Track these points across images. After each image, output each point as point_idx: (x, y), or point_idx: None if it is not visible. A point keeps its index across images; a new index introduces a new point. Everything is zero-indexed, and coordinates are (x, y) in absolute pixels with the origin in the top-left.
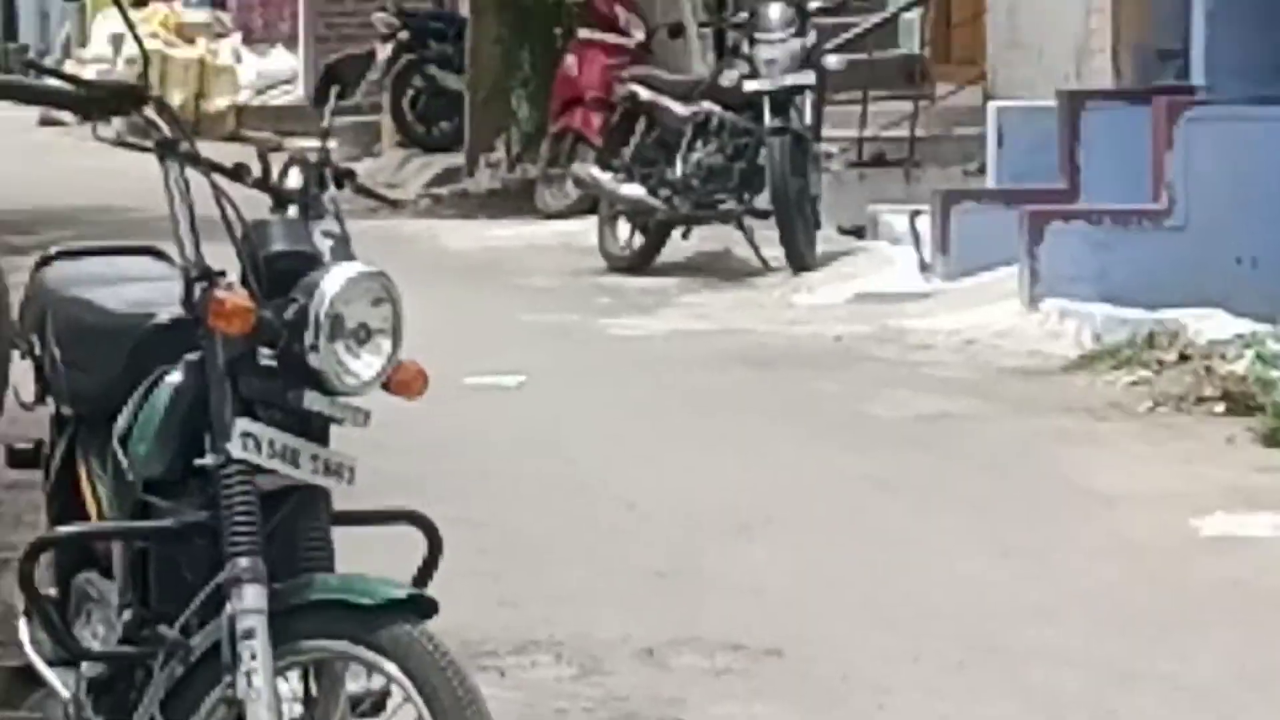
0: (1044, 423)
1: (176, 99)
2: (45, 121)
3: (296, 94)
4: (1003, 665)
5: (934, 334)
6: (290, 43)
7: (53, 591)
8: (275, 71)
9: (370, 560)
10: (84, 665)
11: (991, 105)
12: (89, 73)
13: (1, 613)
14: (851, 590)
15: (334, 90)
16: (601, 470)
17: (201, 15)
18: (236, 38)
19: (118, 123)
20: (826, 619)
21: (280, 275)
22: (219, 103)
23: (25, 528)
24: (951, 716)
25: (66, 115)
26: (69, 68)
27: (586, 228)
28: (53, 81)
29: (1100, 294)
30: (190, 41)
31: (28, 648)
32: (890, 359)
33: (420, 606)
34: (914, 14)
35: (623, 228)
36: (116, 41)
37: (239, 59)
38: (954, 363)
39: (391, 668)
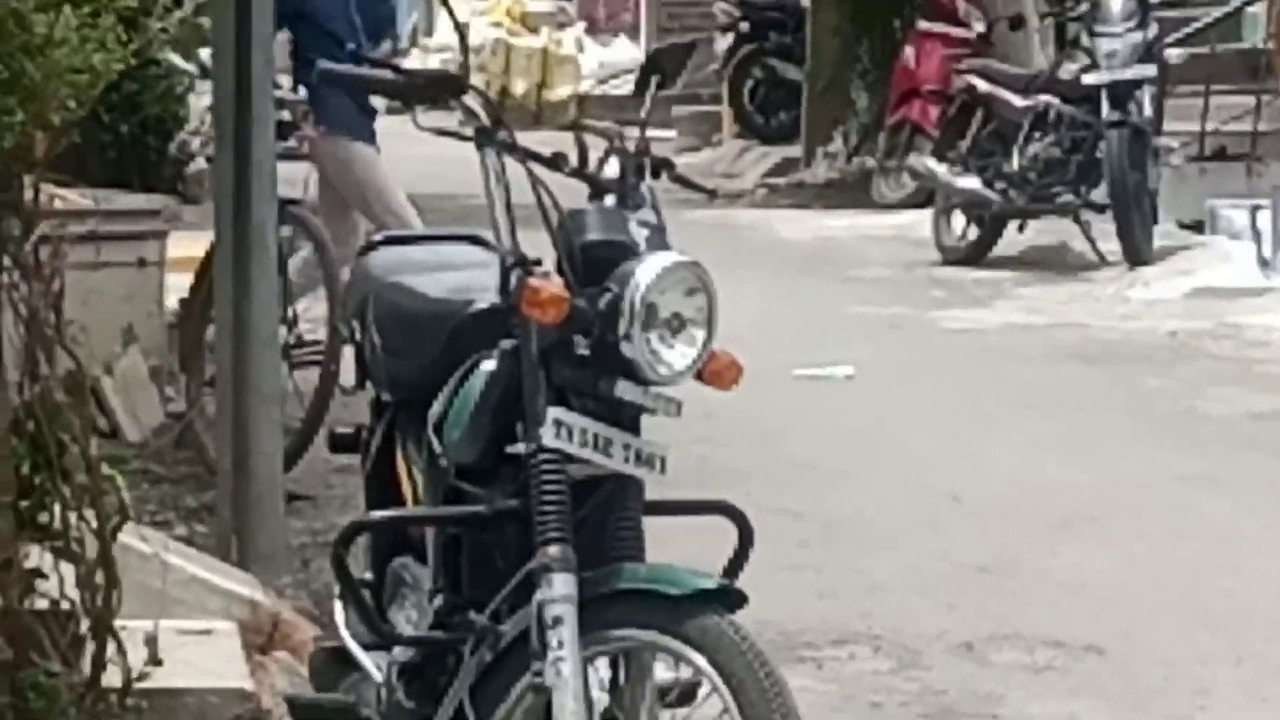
0: None
1: (519, 88)
2: (390, 110)
3: None
4: None
5: (1271, 331)
6: (633, 33)
7: (369, 575)
8: (617, 61)
9: (682, 551)
10: (396, 649)
11: None
12: (434, 62)
13: (328, 594)
14: (1175, 589)
15: (654, 80)
16: (927, 463)
17: (545, 5)
18: (580, 27)
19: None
20: (1149, 618)
21: (595, 264)
22: (561, 92)
23: (352, 511)
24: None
25: None
26: (414, 57)
27: (922, 219)
28: (377, 71)
29: None
30: (534, 31)
31: (343, 631)
32: (1225, 355)
33: (729, 598)
34: (1258, 6)
35: (958, 220)
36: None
37: (581, 49)
38: None
39: (699, 658)
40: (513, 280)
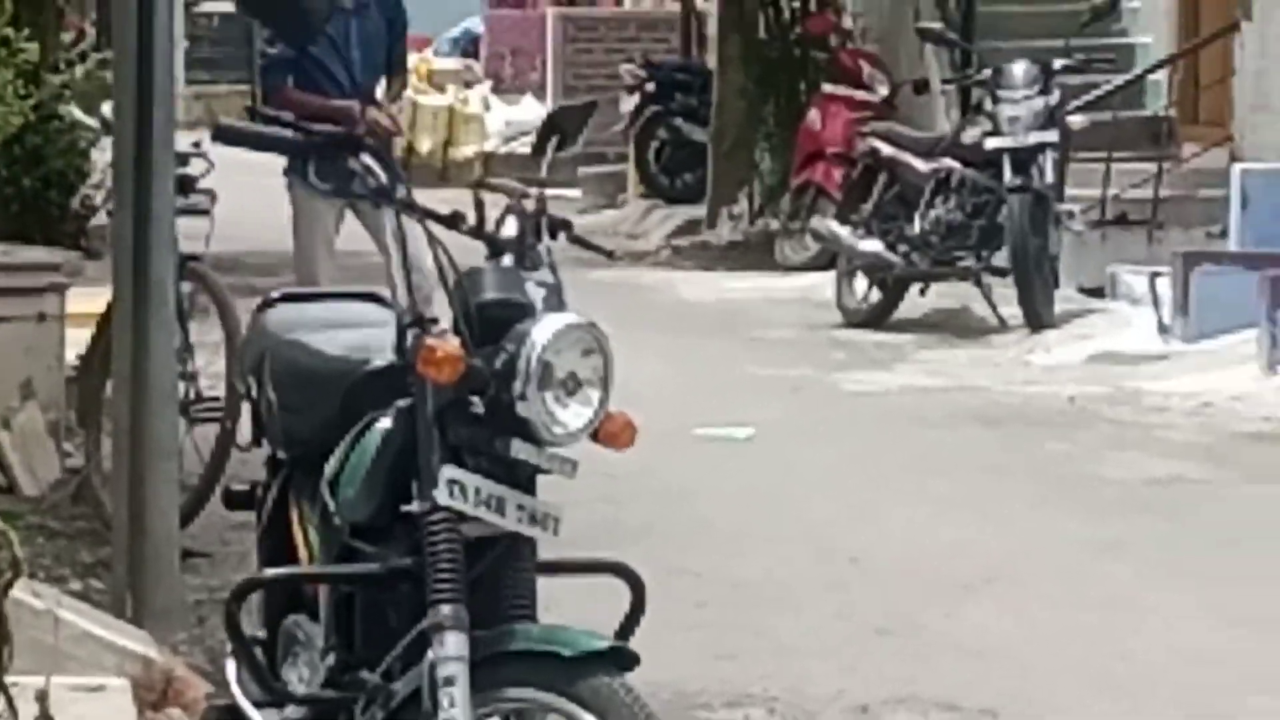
0: (1278, 490)
1: (425, 145)
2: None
3: None
4: None
5: (1169, 396)
6: (539, 92)
7: (261, 633)
8: (523, 120)
9: (576, 611)
10: (288, 708)
11: (1236, 167)
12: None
13: (223, 650)
14: (1073, 654)
15: (553, 139)
16: (828, 524)
17: (452, 63)
18: (486, 86)
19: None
20: (1046, 682)
21: (491, 323)
22: (467, 150)
23: (249, 568)
24: None
25: None
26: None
27: (824, 282)
28: (275, 128)
29: None
30: (440, 89)
31: (235, 688)
32: (1124, 420)
33: (622, 659)
34: (1161, 74)
35: (860, 283)
36: None
37: (488, 107)
38: (1189, 426)
39: (590, 719)
40: (409, 339)
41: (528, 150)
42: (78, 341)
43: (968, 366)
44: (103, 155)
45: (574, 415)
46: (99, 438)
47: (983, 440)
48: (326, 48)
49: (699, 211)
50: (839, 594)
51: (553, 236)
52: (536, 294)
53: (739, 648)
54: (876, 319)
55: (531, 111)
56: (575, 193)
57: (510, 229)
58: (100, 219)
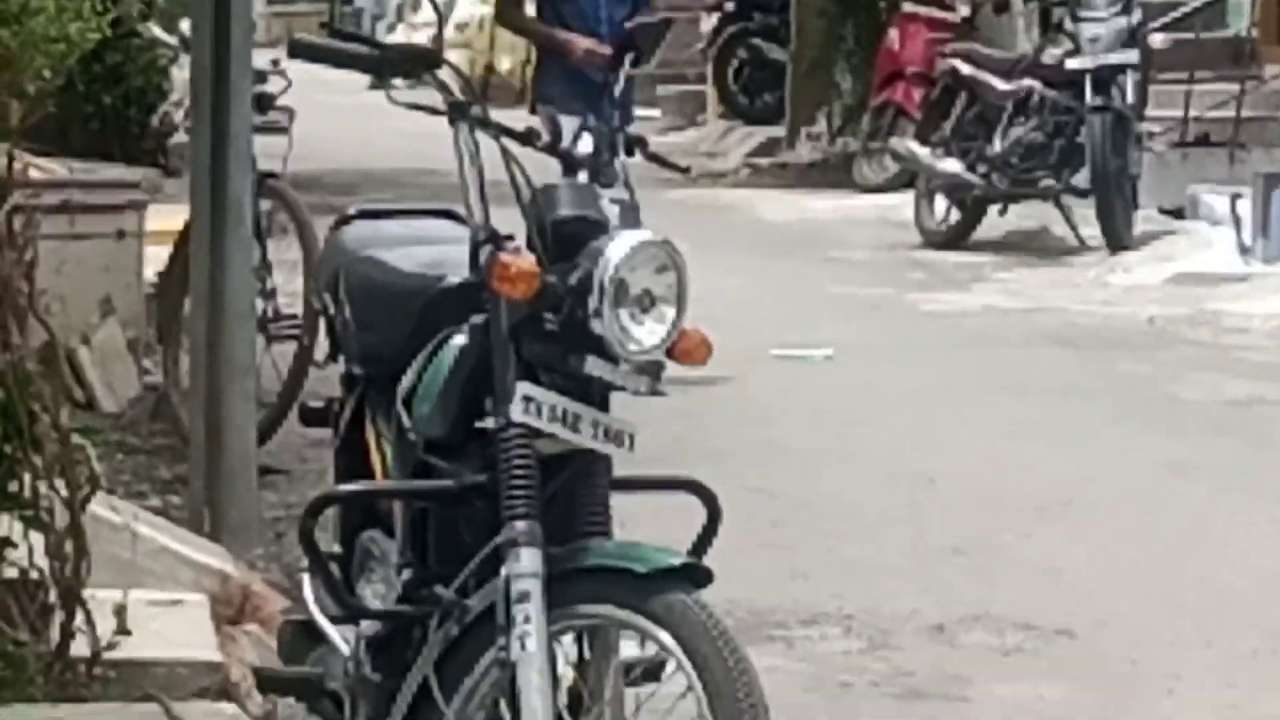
0: None
1: (505, 64)
2: (375, 85)
3: None
4: None
5: (1250, 318)
6: None
7: (337, 549)
8: None
9: (650, 528)
10: (363, 623)
11: None
12: (420, 37)
13: (300, 565)
14: (1147, 574)
15: (629, 56)
16: (904, 446)
17: None
18: None
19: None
20: (1120, 602)
21: (566, 240)
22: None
23: (327, 485)
24: (1241, 705)
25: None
26: (400, 32)
27: (904, 202)
28: (350, 44)
29: None
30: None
31: (311, 604)
32: (1204, 342)
33: (696, 576)
34: None
35: (940, 203)
36: (448, 7)
37: None
38: (1269, 347)
39: (664, 636)
40: (483, 255)
41: None
42: (157, 259)
43: (1047, 287)
44: (182, 73)
45: (649, 332)
46: (178, 355)
47: (1061, 361)
48: None
49: (778, 131)
50: (913, 515)
51: (629, 154)
52: (612, 211)
53: (813, 567)
54: (956, 239)
55: None
56: (654, 112)
57: (586, 146)
58: (180, 137)
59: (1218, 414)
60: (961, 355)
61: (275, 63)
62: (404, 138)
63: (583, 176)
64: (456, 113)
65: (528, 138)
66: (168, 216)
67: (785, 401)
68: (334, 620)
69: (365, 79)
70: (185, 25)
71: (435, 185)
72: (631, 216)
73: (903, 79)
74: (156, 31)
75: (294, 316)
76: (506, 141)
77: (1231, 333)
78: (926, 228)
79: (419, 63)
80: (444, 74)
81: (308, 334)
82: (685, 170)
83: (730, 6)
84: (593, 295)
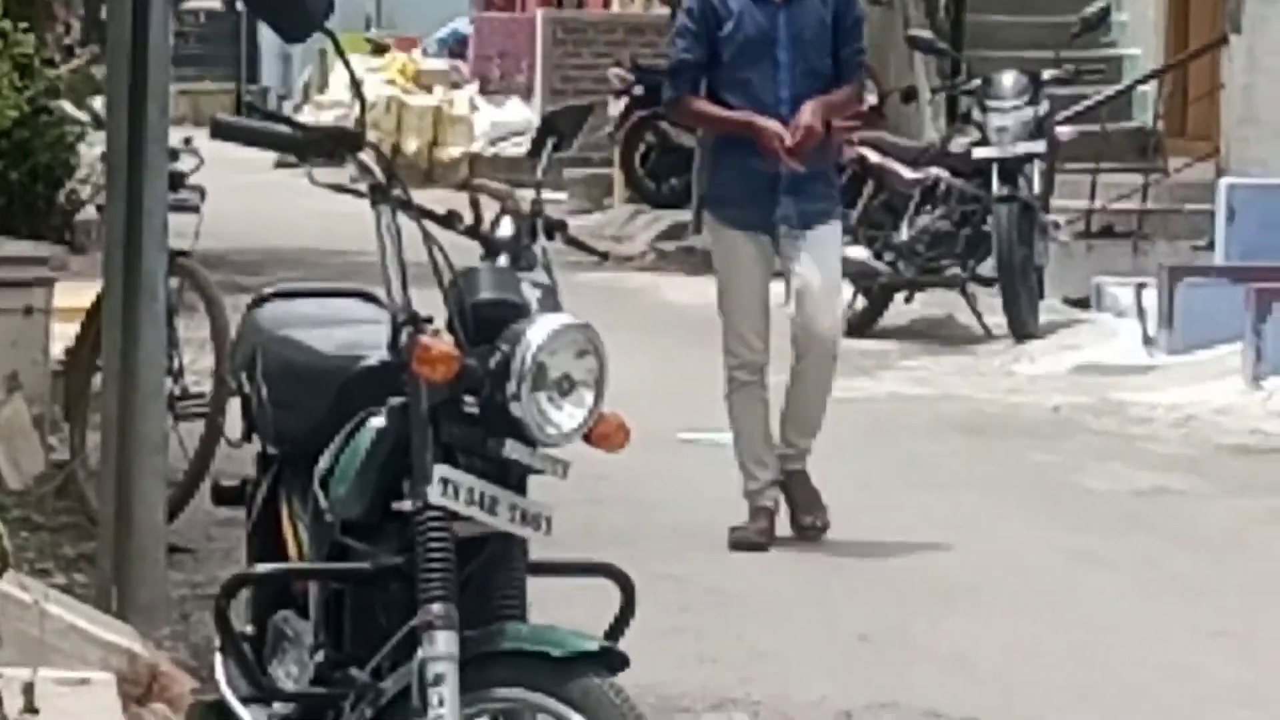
0: (1262, 504)
1: (412, 145)
2: (281, 164)
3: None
4: None
5: (1154, 408)
6: (526, 94)
7: (249, 629)
8: (510, 122)
9: (564, 612)
10: (276, 704)
11: (1223, 181)
12: (327, 117)
13: (207, 647)
14: (1056, 665)
15: (550, 141)
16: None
17: (439, 64)
18: (473, 88)
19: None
20: (1029, 694)
21: (486, 323)
22: (453, 151)
23: (234, 564)
24: None
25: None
26: (307, 112)
27: None
28: (273, 125)
29: None
30: (427, 89)
31: (222, 684)
32: (1108, 431)
33: (611, 660)
34: (1149, 87)
35: (846, 290)
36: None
37: (475, 108)
38: (1173, 438)
39: None
40: (403, 337)
41: (514, 152)
42: (63, 336)
43: (953, 375)
44: (90, 150)
45: (568, 416)
46: (84, 432)
47: (967, 449)
48: (744, 47)
49: (684, 216)
50: (821, 601)
51: (549, 237)
52: (532, 294)
53: (721, 652)
54: (862, 326)
55: (518, 114)
56: (561, 195)
57: (506, 229)
58: (87, 214)
59: (1123, 504)
60: (869, 442)
61: (188, 141)
62: (311, 217)
63: (503, 260)
64: (378, 194)
65: (449, 220)
66: (75, 293)
67: (693, 486)
68: (245, 701)
69: (271, 158)
70: (97, 102)
71: (342, 265)
72: (551, 300)
73: None
74: (67, 108)
75: (201, 395)
76: (427, 224)
77: (1136, 423)
78: None
79: (341, 144)
80: (365, 156)
81: (216, 412)
82: (604, 255)
83: (639, 91)
84: (512, 379)
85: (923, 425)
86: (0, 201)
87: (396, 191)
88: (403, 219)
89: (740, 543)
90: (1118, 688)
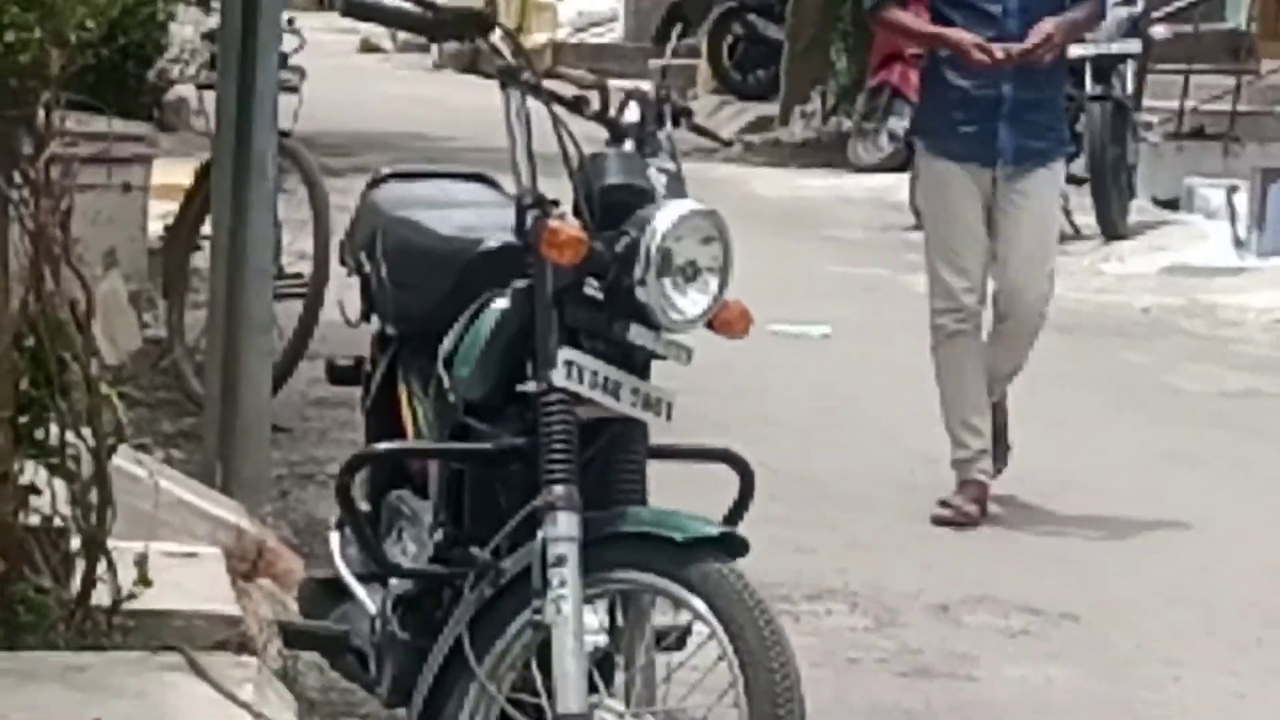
0: None
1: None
2: (364, 48)
3: (615, 34)
4: None
5: (1244, 311)
6: None
7: (365, 507)
8: (595, 11)
9: (680, 496)
10: (392, 581)
11: None
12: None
13: (305, 525)
14: (1148, 563)
15: (677, 28)
16: (904, 425)
17: None
18: None
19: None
20: (1122, 588)
21: (613, 208)
22: (538, 38)
23: (330, 444)
24: (1246, 694)
25: (387, 43)
26: None
27: (898, 183)
28: (404, 4)
29: None
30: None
31: (337, 560)
32: (1199, 333)
33: (731, 545)
34: None
35: None
36: None
37: None
38: (1264, 341)
39: (699, 604)
40: (529, 220)
41: (599, 40)
42: (159, 213)
43: None
44: (181, 29)
45: (692, 302)
46: (183, 310)
47: (1058, 347)
48: None
49: (771, 109)
50: (915, 493)
51: (674, 124)
52: (658, 180)
53: (816, 543)
54: None
55: (603, 2)
56: (645, 84)
57: (633, 114)
58: (175, 92)
59: (1214, 406)
60: None
61: (290, 21)
62: (392, 101)
63: (629, 145)
64: (508, 77)
65: (577, 105)
66: (171, 170)
67: (784, 377)
68: (360, 578)
69: (354, 43)
70: None
71: (427, 149)
72: (677, 186)
73: (900, 60)
74: None
75: (298, 275)
76: (556, 108)
77: (1226, 325)
78: (922, 209)
79: (472, 25)
80: (495, 38)
81: (316, 294)
82: (728, 143)
83: None
84: (638, 264)
85: None
86: (89, 79)
87: (526, 74)
88: (530, 102)
89: (942, 521)
90: (1209, 584)
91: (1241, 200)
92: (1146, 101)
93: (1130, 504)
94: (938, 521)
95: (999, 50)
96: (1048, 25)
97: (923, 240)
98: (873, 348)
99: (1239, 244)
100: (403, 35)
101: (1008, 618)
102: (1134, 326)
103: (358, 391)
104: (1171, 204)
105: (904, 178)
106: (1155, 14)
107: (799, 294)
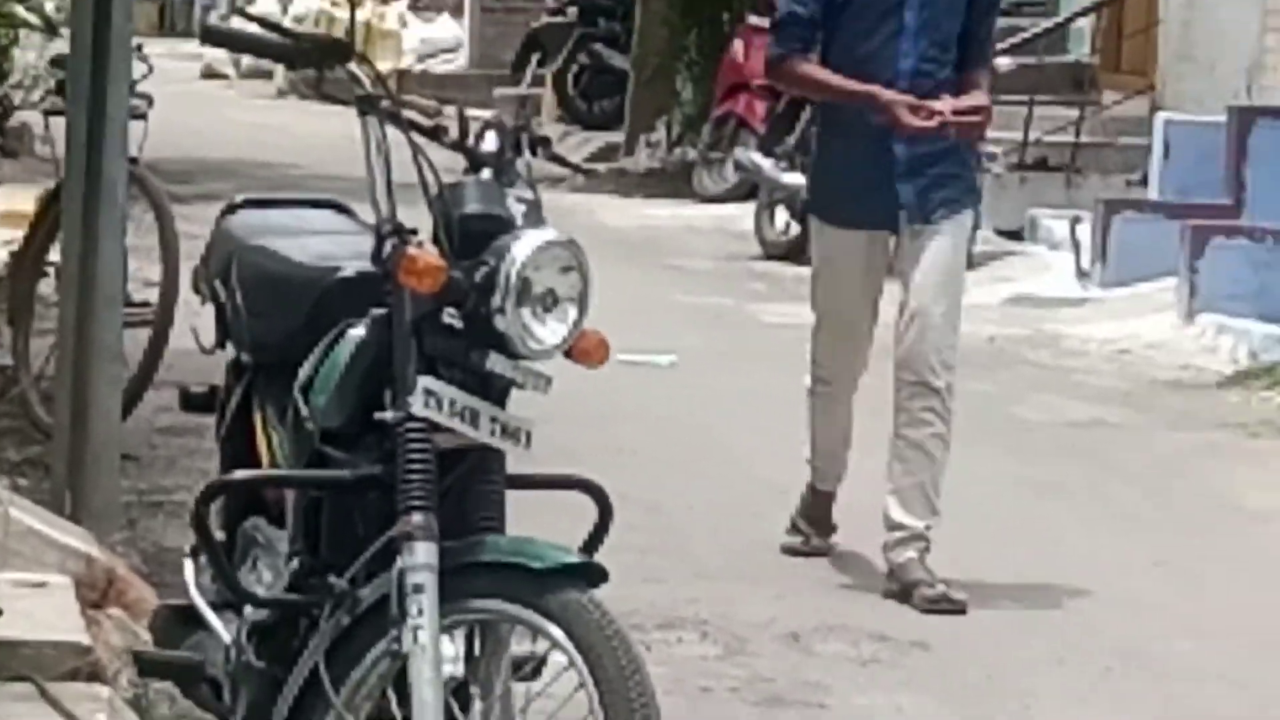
0: (1197, 437)
1: None
2: (207, 74)
3: (459, 63)
4: (1150, 677)
5: (1088, 341)
6: (456, 11)
7: (220, 535)
8: (439, 39)
9: (537, 525)
10: (247, 610)
11: (1159, 116)
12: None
13: (155, 554)
14: (1001, 591)
15: (535, 57)
16: (751, 454)
17: None
18: (403, 3)
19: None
20: (973, 617)
21: (472, 237)
22: (381, 66)
23: (179, 472)
24: None
25: (229, 69)
26: (235, 21)
27: (743, 213)
28: (264, 33)
29: (1258, 312)
30: (357, 4)
31: (191, 588)
32: (1043, 363)
33: (590, 574)
34: (1086, 21)
35: (780, 215)
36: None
37: (404, 24)
38: (1107, 371)
39: (558, 633)
40: (388, 247)
41: (443, 69)
42: (1, 241)
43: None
44: (24, 55)
45: (551, 331)
46: (29, 337)
47: None
48: (864, 8)
49: (616, 137)
50: (765, 522)
51: (533, 153)
52: (517, 209)
53: (667, 571)
54: (796, 252)
55: (447, 30)
56: (488, 113)
57: (491, 143)
58: (18, 118)
59: (1061, 436)
60: (804, 368)
61: (139, 47)
62: (237, 128)
63: (487, 174)
64: (367, 105)
65: (435, 133)
66: (14, 197)
67: (631, 406)
68: (215, 607)
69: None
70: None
71: (272, 177)
72: (535, 215)
73: (746, 91)
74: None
75: (145, 304)
76: (414, 136)
77: (1071, 355)
78: (767, 239)
79: (333, 54)
80: (354, 66)
81: (163, 321)
82: (587, 172)
83: (573, 11)
84: (497, 292)
85: None
86: None
87: (385, 102)
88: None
89: (791, 550)
90: (1060, 614)
91: (1085, 231)
92: (990, 133)
93: (982, 531)
94: (786, 550)
95: (941, 105)
96: (983, 95)
97: (767, 270)
98: (720, 378)
99: (1082, 275)
100: (246, 61)
101: (858, 646)
102: (979, 356)
103: (206, 420)
104: (1015, 235)
105: (749, 207)
106: (999, 45)
107: (646, 323)
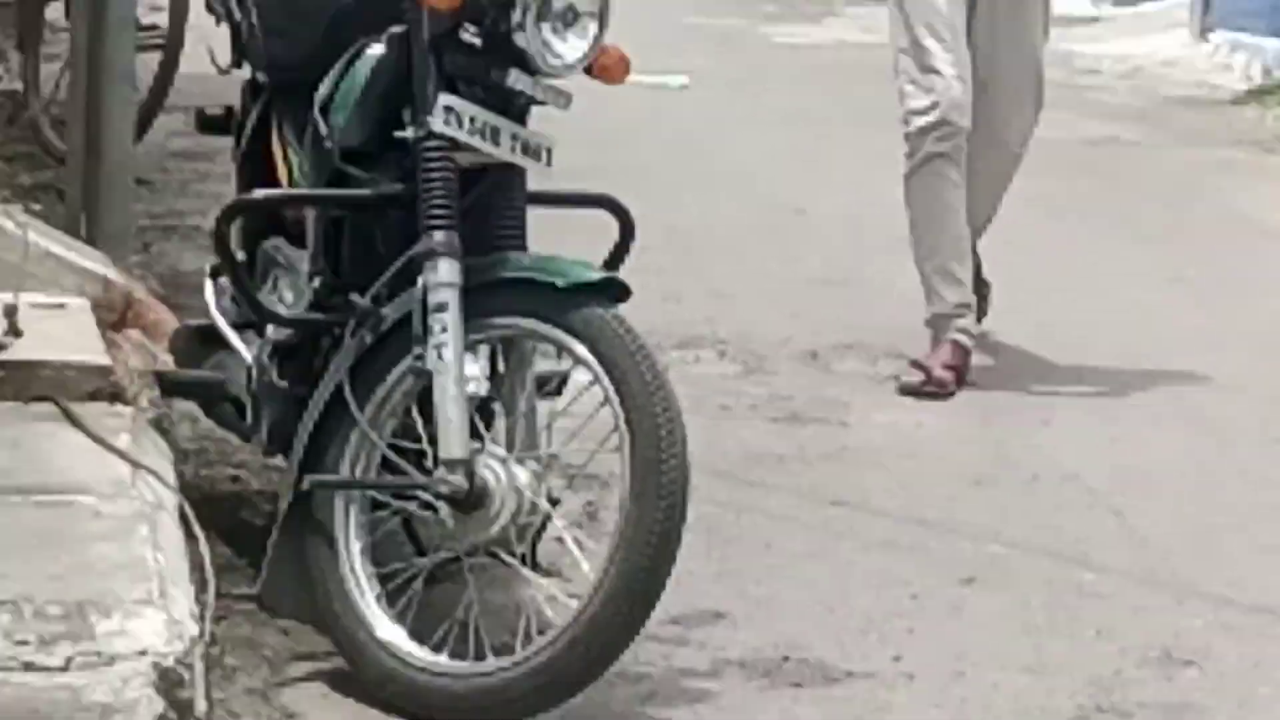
0: (1211, 154)
1: None
2: None
3: None
4: (1168, 390)
5: (1101, 59)
6: None
7: (240, 256)
8: None
9: (557, 243)
10: (269, 329)
11: None
12: None
13: (171, 277)
14: (1018, 304)
15: None
16: (763, 175)
17: None
18: None
19: None
20: (989, 326)
21: None
22: None
23: (191, 196)
24: (1119, 439)
25: None
26: None
27: None
28: None
29: (1272, 28)
30: None
31: (213, 309)
32: (1056, 81)
33: (613, 290)
34: None
35: None
36: None
37: None
38: (1121, 89)
39: (581, 349)
40: None
41: None
42: None
43: None
44: None
45: (571, 47)
46: (38, 62)
47: None
48: None
49: None
50: (781, 243)
51: None
52: None
53: (684, 291)
54: None
55: None
56: None
57: None
58: None
59: (1076, 153)
60: (817, 88)
61: None
62: None
63: None
64: None
65: None
66: None
67: (646, 127)
68: (236, 327)
69: None
70: None
71: None
72: None
73: None
74: None
75: (155, 26)
76: None
77: (1084, 73)
78: None
79: None
80: None
81: (175, 43)
82: None
83: None
84: (516, 8)
85: (870, 72)
86: None
87: None
88: None
89: (910, 390)
90: (1079, 328)
91: None
92: None
93: (999, 250)
94: (905, 390)
95: None
96: None
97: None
98: (732, 99)
99: None
100: None
101: (875, 364)
102: None
103: (219, 144)
104: None
105: None
106: None
107: (657, 45)
